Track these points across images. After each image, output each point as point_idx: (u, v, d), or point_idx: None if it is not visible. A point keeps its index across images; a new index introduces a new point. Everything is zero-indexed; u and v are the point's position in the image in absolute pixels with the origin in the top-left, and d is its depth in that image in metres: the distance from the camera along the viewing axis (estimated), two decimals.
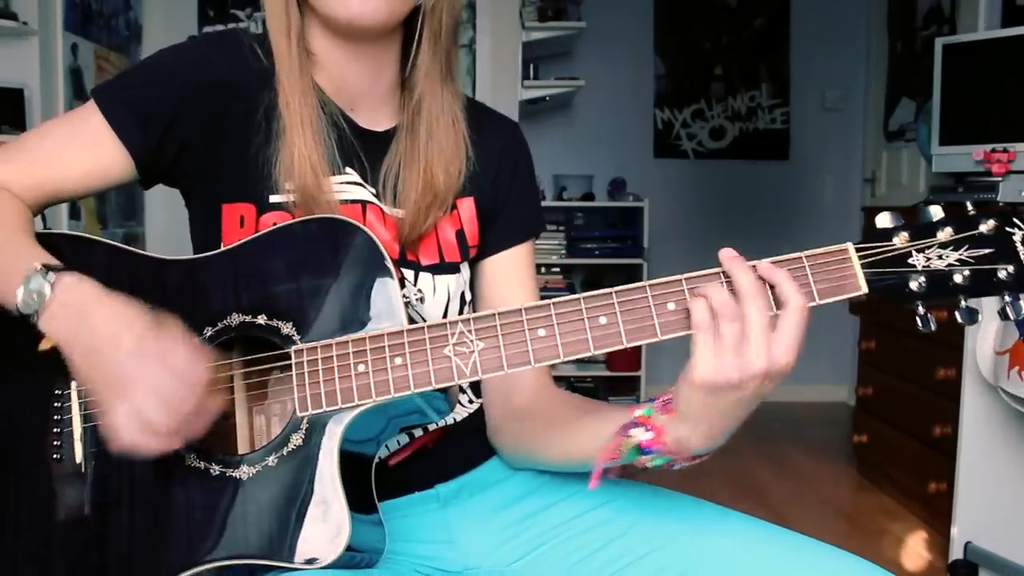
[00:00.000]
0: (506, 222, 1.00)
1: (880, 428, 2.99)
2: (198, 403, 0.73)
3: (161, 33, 3.62)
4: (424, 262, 0.93)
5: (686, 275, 0.72)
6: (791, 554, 0.83)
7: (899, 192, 3.92)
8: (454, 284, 0.95)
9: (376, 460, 0.86)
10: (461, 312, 0.96)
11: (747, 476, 3.21)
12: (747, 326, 0.69)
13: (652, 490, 0.93)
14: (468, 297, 0.98)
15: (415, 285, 0.92)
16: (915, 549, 2.56)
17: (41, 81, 2.85)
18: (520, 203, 1.01)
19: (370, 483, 0.84)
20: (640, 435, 0.76)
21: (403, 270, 0.91)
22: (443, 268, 0.94)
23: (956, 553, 2.19)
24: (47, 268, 0.76)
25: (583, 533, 0.91)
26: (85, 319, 0.75)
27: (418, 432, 0.95)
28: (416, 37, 0.91)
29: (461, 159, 0.94)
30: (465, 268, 0.97)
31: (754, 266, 0.71)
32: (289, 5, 0.87)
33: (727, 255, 0.72)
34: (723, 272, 0.72)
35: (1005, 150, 2.50)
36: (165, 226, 3.68)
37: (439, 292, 0.93)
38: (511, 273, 1.00)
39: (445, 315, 0.94)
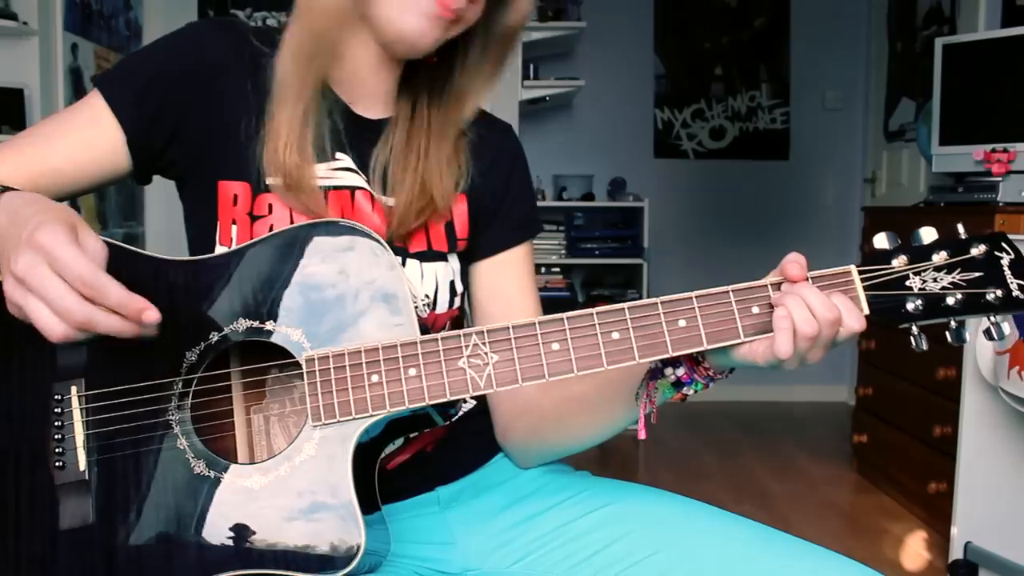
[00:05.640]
0: (502, 225, 0.99)
1: (880, 428, 2.99)
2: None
3: (161, 33, 3.61)
4: (412, 249, 0.94)
5: (696, 293, 0.74)
6: (791, 557, 0.83)
7: (899, 192, 3.92)
8: (442, 272, 0.95)
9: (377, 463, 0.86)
10: (452, 302, 0.96)
11: (747, 476, 3.22)
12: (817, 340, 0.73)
13: (653, 493, 0.93)
14: (459, 289, 0.98)
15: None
16: (915, 549, 2.56)
17: (41, 81, 2.85)
18: (516, 205, 1.01)
19: (374, 484, 0.84)
20: (674, 372, 0.80)
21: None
22: (431, 256, 0.94)
23: (956, 553, 2.19)
24: None
25: (583, 535, 0.90)
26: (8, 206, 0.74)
27: (413, 434, 0.95)
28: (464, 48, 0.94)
29: (459, 166, 0.96)
30: (453, 259, 0.97)
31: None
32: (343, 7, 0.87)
33: (796, 273, 0.74)
34: (772, 285, 0.75)
35: (1005, 150, 2.50)
36: (165, 226, 3.68)
37: (427, 280, 0.94)
38: (510, 276, 1.00)
39: (434, 303, 0.94)
